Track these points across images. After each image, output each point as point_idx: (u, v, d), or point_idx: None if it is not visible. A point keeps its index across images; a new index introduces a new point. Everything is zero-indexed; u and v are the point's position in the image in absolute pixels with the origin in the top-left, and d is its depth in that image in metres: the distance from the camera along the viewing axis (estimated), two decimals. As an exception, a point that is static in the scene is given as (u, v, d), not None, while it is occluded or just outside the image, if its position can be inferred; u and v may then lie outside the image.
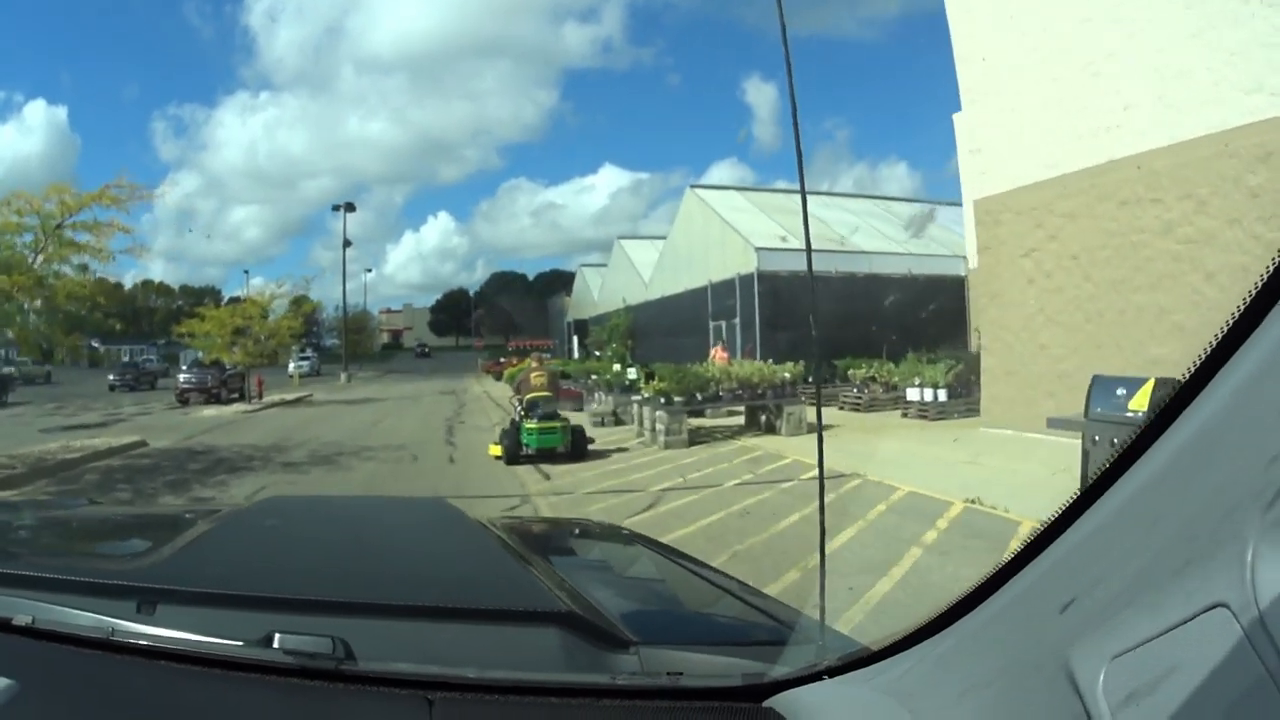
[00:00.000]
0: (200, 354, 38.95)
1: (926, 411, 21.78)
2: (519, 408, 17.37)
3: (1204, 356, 1.03)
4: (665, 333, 43.68)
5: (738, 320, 34.93)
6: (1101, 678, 1.00)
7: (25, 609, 1.83)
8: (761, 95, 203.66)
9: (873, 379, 25.44)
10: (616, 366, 27.57)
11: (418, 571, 2.47)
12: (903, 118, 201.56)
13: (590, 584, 2.27)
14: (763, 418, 20.25)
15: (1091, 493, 1.17)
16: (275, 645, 1.69)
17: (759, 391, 19.82)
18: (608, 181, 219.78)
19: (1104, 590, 1.07)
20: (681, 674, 1.69)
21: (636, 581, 2.83)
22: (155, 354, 75.70)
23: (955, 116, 32.42)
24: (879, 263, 35.21)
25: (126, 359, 77.00)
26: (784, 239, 34.15)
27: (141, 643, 1.76)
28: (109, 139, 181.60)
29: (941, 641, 1.43)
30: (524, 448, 16.34)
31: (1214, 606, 0.89)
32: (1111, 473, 1.14)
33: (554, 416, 16.88)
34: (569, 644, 1.79)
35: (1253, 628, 0.85)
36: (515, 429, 16.77)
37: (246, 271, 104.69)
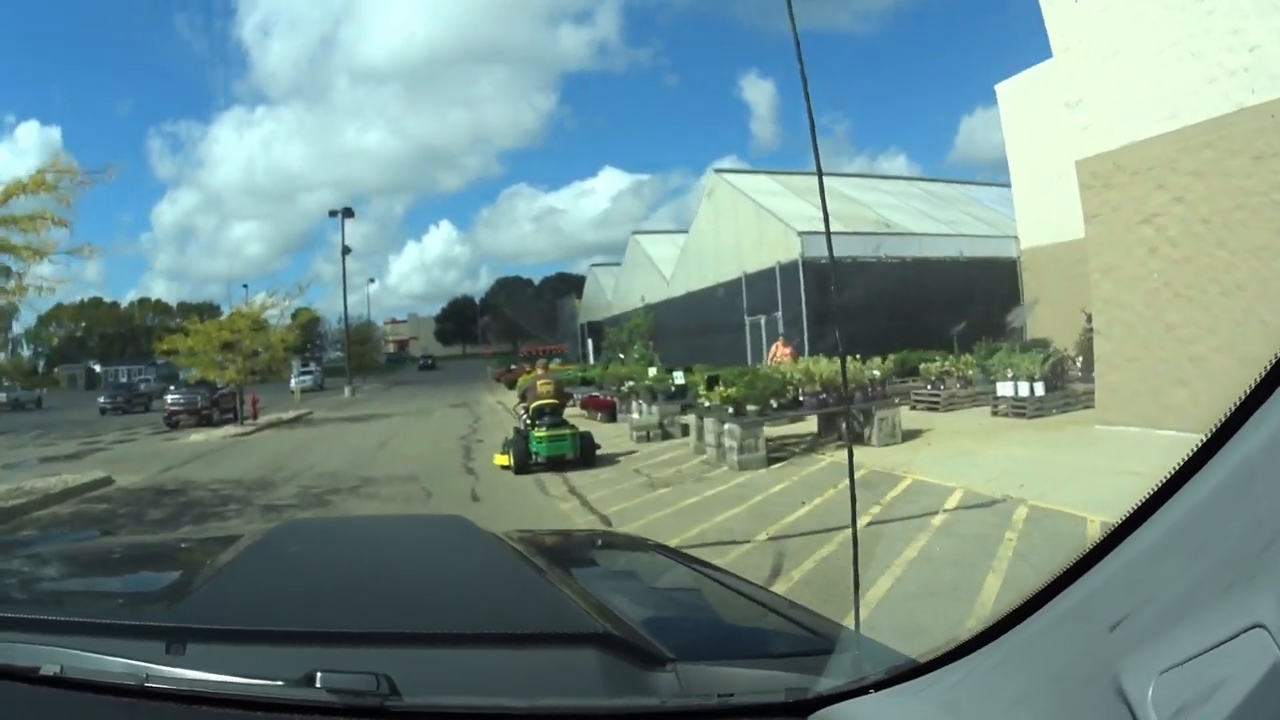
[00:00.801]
0: (194, 372, 35.61)
1: (1023, 408, 18.61)
2: (525, 415, 16.95)
3: (1254, 386, 1.09)
4: (693, 331, 40.59)
5: (779, 313, 31.73)
6: (1150, 692, 1.02)
7: (53, 657, 1.78)
8: (759, 92, 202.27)
9: (947, 373, 22.37)
10: (652, 370, 24.14)
11: (448, 596, 2.41)
12: (901, 111, 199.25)
13: (620, 599, 2.28)
14: (844, 424, 16.77)
15: (1141, 514, 1.20)
16: (318, 684, 1.65)
17: (845, 394, 16.35)
18: (608, 184, 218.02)
19: (1153, 608, 1.11)
20: (731, 694, 1.68)
21: (665, 595, 2.71)
22: (153, 374, 72.72)
23: (999, 87, 30.79)
24: (927, 245, 32.46)
25: (124, 380, 74.59)
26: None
27: (177, 688, 1.72)
28: (105, 158, 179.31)
29: (990, 654, 1.42)
30: (533, 456, 16.07)
31: (1253, 627, 0.94)
32: (1160, 496, 1.18)
33: (562, 424, 16.60)
34: (607, 665, 1.75)
35: None
36: (523, 437, 16.44)
37: (245, 286, 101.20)
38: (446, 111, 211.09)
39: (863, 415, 16.38)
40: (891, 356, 21.04)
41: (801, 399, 16.14)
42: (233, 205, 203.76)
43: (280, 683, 1.67)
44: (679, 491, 13.11)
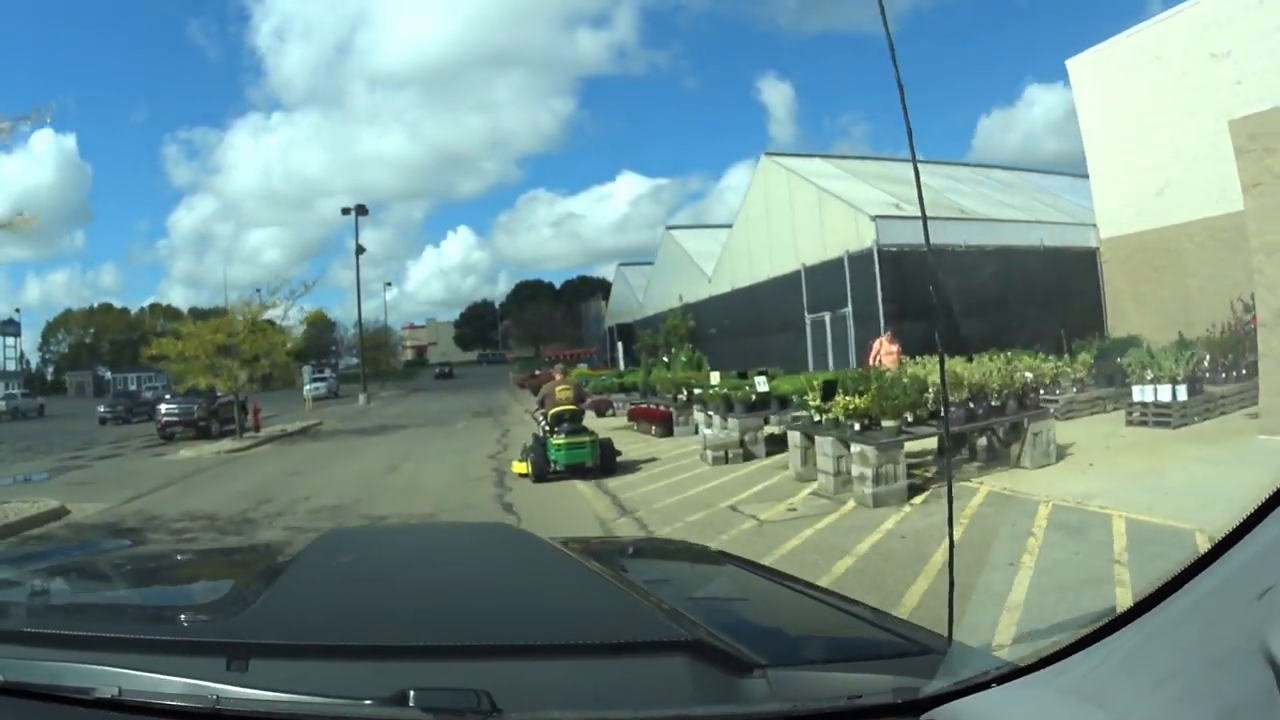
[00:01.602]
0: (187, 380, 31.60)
1: (1166, 415, 15.42)
2: (543, 422, 16.48)
3: None
4: (740, 332, 36.97)
5: (849, 309, 28.10)
6: None
7: (106, 678, 1.68)
8: (778, 94, 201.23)
9: (1061, 375, 19.20)
10: (715, 376, 20.31)
11: (529, 606, 2.30)
12: (918, 111, 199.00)
13: (693, 606, 2.27)
14: (981, 440, 13.26)
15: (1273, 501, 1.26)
16: (411, 703, 1.56)
17: (995, 402, 12.78)
18: (627, 189, 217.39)
19: None
20: (859, 695, 1.63)
21: (738, 600, 2.67)
22: (163, 381, 69.84)
23: (1070, 62, 27.77)
24: (1007, 233, 28.86)
25: (133, 387, 71.82)
26: (898, 206, 27.48)
27: (254, 709, 1.62)
28: (121, 166, 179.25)
29: (1127, 638, 1.41)
30: (551, 464, 15.64)
31: None
32: None
33: (581, 430, 16.16)
34: (699, 672, 1.71)
35: None
36: (541, 444, 16.01)
37: (259, 290, 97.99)
38: (464, 116, 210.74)
39: (1004, 429, 13.01)
40: (1038, 353, 17.99)
41: (943, 410, 12.42)
42: (250, 212, 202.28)
43: (369, 701, 1.59)
44: (814, 546, 9.26)
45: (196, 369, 29.31)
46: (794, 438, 13.66)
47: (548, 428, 16.18)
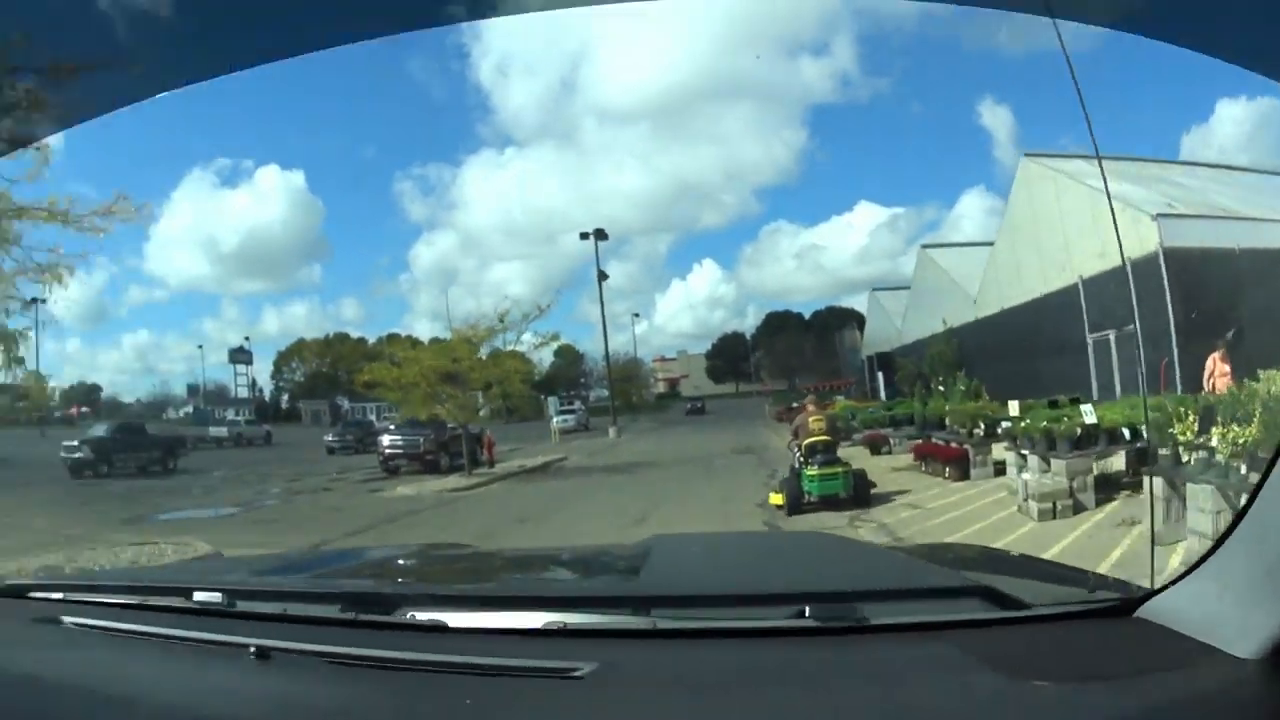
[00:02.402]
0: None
1: None
2: (798, 453, 16.74)
3: None
4: (1011, 357, 32.77)
5: (1136, 325, 23.73)
6: None
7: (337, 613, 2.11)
8: (996, 118, 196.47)
9: None
10: (1014, 405, 17.81)
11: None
12: (1119, 124, 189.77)
13: (977, 568, 3.05)
14: None
15: None
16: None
17: None
18: (865, 219, 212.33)
19: None
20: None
21: (1004, 562, 3.49)
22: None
23: None
24: (1280, 236, 24.34)
25: (370, 416, 71.93)
26: (1170, 206, 24.18)
27: (485, 623, 2.07)
28: (352, 200, 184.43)
29: (1241, 531, 1.91)
30: (805, 495, 16.05)
31: None
32: None
33: (835, 461, 16.38)
34: (986, 607, 2.16)
35: None
36: (795, 475, 16.40)
37: (501, 319, 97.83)
38: (697, 149, 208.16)
39: None
40: None
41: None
42: (491, 246, 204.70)
43: (614, 613, 2.05)
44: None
45: (417, 398, 27.48)
46: (1157, 485, 10.28)
47: (802, 459, 16.36)
